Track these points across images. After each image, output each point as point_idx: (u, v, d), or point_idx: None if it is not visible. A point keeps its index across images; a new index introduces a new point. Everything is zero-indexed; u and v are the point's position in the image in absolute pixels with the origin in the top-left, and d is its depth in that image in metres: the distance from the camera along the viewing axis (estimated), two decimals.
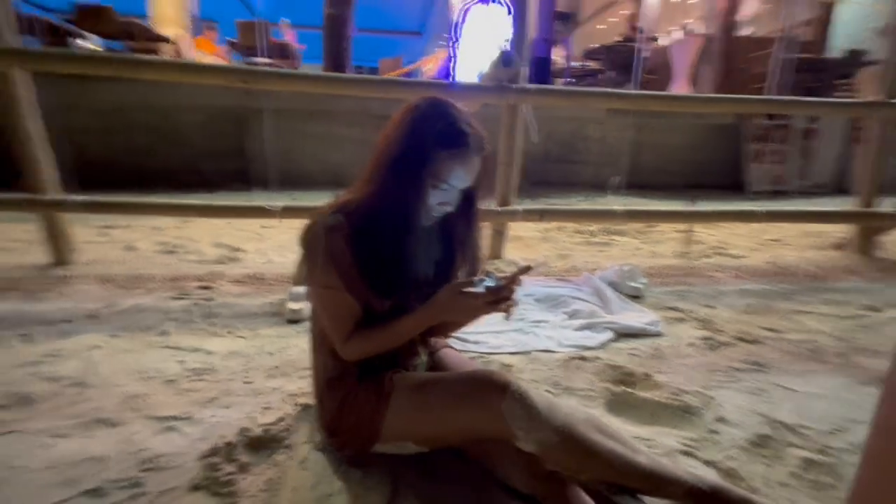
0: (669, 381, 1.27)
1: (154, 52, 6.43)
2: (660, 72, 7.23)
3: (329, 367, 0.94)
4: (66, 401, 1.13)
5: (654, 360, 1.42)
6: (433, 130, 0.81)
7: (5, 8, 1.71)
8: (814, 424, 1.10)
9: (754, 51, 6.86)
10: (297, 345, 1.46)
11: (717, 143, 5.25)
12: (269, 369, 1.31)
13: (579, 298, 1.84)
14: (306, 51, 6.81)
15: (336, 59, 4.71)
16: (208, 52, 6.83)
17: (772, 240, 3.07)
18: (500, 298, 0.82)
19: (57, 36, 5.34)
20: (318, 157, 4.44)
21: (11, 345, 1.38)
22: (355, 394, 0.91)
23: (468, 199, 0.92)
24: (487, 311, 0.83)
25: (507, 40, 1.95)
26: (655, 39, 9.25)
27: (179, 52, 6.70)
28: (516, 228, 3.03)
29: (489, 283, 0.83)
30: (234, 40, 6.05)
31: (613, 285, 1.99)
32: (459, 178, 0.84)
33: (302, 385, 1.22)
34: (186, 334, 1.50)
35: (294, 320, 1.61)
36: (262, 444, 1.00)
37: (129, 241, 2.49)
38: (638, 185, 5.11)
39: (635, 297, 1.93)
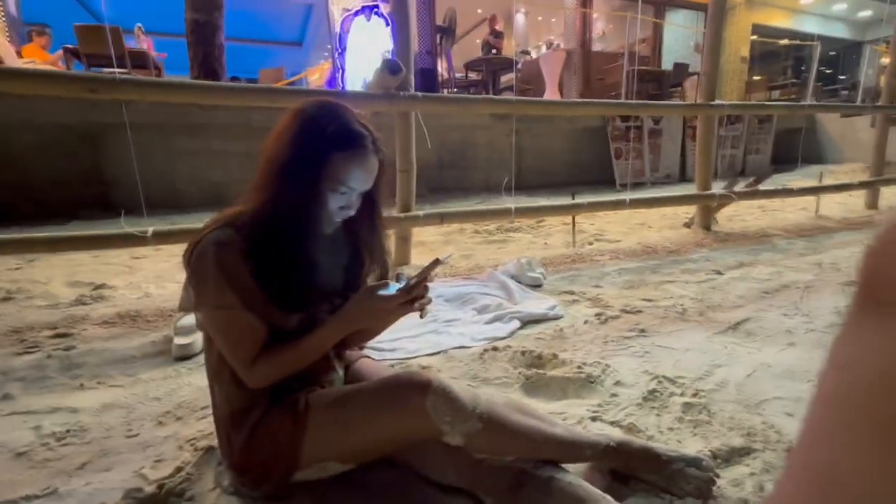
0: (573, 357, 1.39)
1: None
2: (533, 82, 7.94)
3: (233, 399, 0.85)
4: None
5: (557, 341, 1.54)
6: (326, 132, 0.79)
7: None
8: (688, 374, 1.29)
9: (606, 64, 7.92)
10: (191, 383, 1.30)
11: (588, 145, 5.92)
12: (157, 416, 1.14)
13: (486, 294, 1.92)
14: (168, 59, 6.13)
15: (207, 69, 4.32)
16: (40, 60, 5.78)
17: (638, 224, 3.55)
18: (413, 298, 0.82)
19: None
20: (195, 176, 4.02)
21: None
22: (266, 422, 0.83)
23: (370, 203, 0.91)
24: (402, 313, 0.83)
25: (390, 51, 1.97)
26: (528, 53, 10.15)
27: (1, 61, 5.57)
28: (419, 234, 3.07)
29: (400, 284, 0.83)
30: (73, 47, 5.19)
31: (515, 277, 2.12)
32: (358, 179, 0.82)
33: (201, 427, 1.09)
34: (40, 394, 1.24)
35: (184, 357, 1.43)
36: (160, 502, 0.86)
37: None
38: (524, 186, 5.54)
39: (535, 285, 2.07)
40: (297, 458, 0.81)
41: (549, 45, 10.41)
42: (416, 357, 1.42)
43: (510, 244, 2.99)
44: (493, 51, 7.03)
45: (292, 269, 0.80)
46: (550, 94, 8.30)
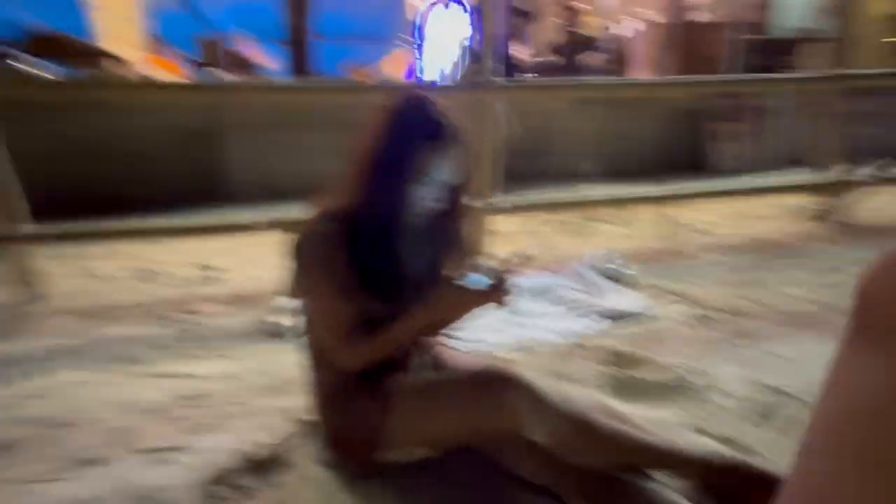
0: (666, 359, 1.29)
1: (109, 73, 6.20)
2: (621, 61, 7.40)
3: (329, 380, 0.91)
4: (48, 443, 1.06)
5: (649, 341, 1.44)
6: (415, 126, 0.81)
7: None
8: (803, 386, 1.13)
9: (708, 35, 7.11)
10: (292, 359, 1.41)
11: (679, 126, 5.40)
12: (264, 389, 1.27)
13: (570, 287, 1.85)
14: (267, 63, 6.69)
15: (300, 70, 4.64)
16: (169, 71, 6.63)
17: (747, 215, 3.17)
18: (494, 290, 0.81)
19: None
20: (289, 169, 4.36)
21: None
22: (358, 403, 0.88)
23: (452, 194, 0.91)
24: (483, 304, 0.83)
25: (468, 39, 1.95)
26: (617, 30, 9.47)
27: (141, 73, 6.49)
28: (496, 223, 3.04)
29: (482, 275, 0.83)
30: (195, 57, 5.90)
31: (599, 271, 2.01)
32: (444, 170, 0.83)
33: (300, 401, 1.18)
34: (172, 361, 1.44)
35: (281, 334, 1.56)
36: (265, 466, 0.96)
37: (103, 271, 2.37)
38: (608, 172, 5.22)
39: (621, 280, 1.95)
40: (384, 439, 0.85)
41: (642, 19, 9.60)
42: (497, 349, 1.41)
43: (595, 236, 2.84)
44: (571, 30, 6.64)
45: (382, 258, 0.83)
46: (642, 73, 7.68)
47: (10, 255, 1.90)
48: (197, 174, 4.26)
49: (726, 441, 0.96)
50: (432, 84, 2.13)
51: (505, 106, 1.99)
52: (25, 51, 5.10)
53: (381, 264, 0.84)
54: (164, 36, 7.85)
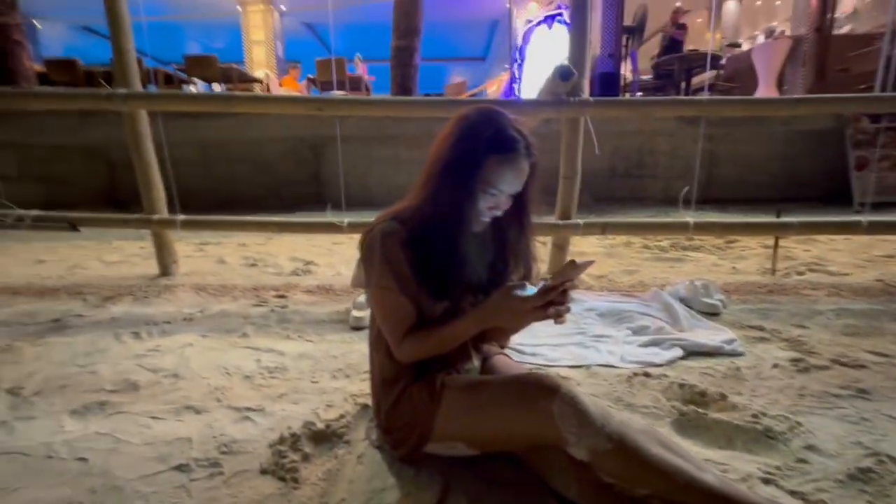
0: (749, 403, 1.16)
1: (247, 90, 7.26)
2: (741, 79, 6.74)
3: (385, 368, 0.98)
4: (163, 389, 1.29)
5: (730, 381, 1.30)
6: (482, 137, 0.85)
7: (132, 63, 2.06)
8: None
9: (855, 49, 6.18)
10: (360, 350, 1.54)
11: (812, 151, 4.74)
12: (333, 371, 1.39)
13: (646, 314, 1.74)
14: (376, 82, 7.29)
15: (403, 87, 4.98)
16: (292, 89, 7.57)
17: (882, 256, 2.69)
18: (550, 302, 0.81)
19: (171, 83, 6.24)
20: (385, 180, 4.69)
21: (124, 340, 1.60)
22: (409, 394, 0.94)
23: (520, 206, 0.93)
24: (537, 317, 0.83)
25: (567, 57, 1.96)
26: (738, 45, 8.65)
27: (268, 89, 7.50)
28: (580, 244, 2.95)
29: (539, 286, 0.83)
30: (314, 77, 6.67)
31: (685, 301, 1.86)
32: (508, 182, 0.86)
33: (363, 387, 1.29)
34: (263, 337, 1.64)
35: (357, 327, 1.70)
36: (324, 437, 1.06)
37: (220, 256, 2.79)
38: (715, 199, 4.75)
39: (712, 314, 1.78)
40: (430, 430, 0.90)
41: (770, 33, 8.67)
42: (555, 366, 1.38)
43: (686, 264, 2.62)
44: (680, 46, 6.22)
45: (442, 259, 0.88)
46: (764, 91, 6.91)
47: (154, 237, 2.32)
48: (305, 179, 4.78)
49: (800, 496, 0.84)
50: (515, 100, 2.16)
51: (589, 124, 1.95)
52: (181, 70, 6.22)
53: (439, 265, 0.89)
54: (289, 58, 8.98)
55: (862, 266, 2.48)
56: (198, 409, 1.19)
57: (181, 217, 2.15)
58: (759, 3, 9.37)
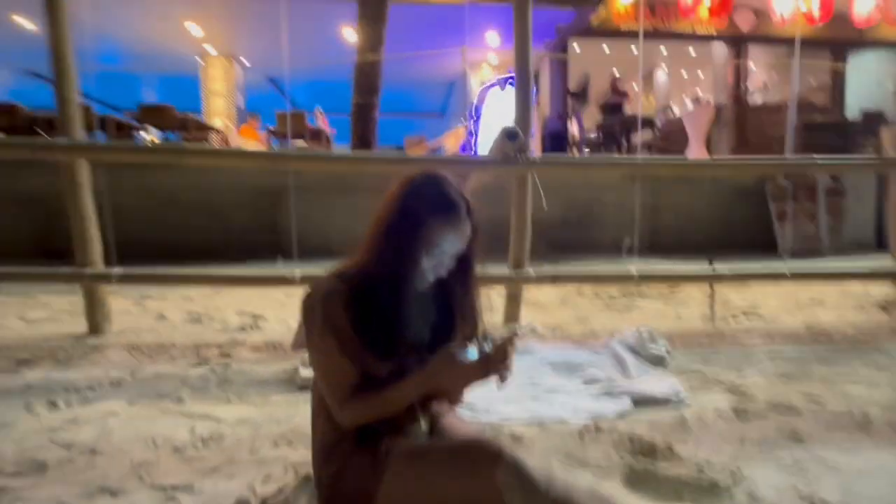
0: (695, 454, 1.18)
1: (204, 140, 7.20)
2: (675, 139, 7.44)
3: (326, 434, 0.93)
4: (75, 469, 1.14)
5: (677, 431, 1.32)
6: (425, 199, 0.88)
7: (75, 113, 2.01)
8: (848, 500, 0.98)
9: (767, 117, 7.03)
10: (306, 412, 1.43)
11: (740, 204, 5.20)
12: (275, 437, 1.30)
13: (597, 364, 1.77)
14: (337, 134, 7.45)
15: (363, 140, 5.11)
16: (251, 139, 7.56)
17: (808, 301, 2.91)
18: (492, 365, 0.82)
19: (122, 131, 6.09)
20: (344, 229, 4.66)
21: (36, 411, 1.43)
22: (351, 462, 0.89)
23: (464, 264, 0.96)
24: (480, 378, 0.83)
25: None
26: (670, 109, 9.63)
27: (226, 139, 7.45)
28: (534, 293, 3.01)
29: (484, 347, 0.84)
30: (274, 128, 6.73)
31: (633, 350, 1.91)
32: (450, 243, 0.89)
33: (306, 454, 1.20)
34: (200, 401, 1.52)
35: (305, 387, 1.61)
36: None
37: (160, 310, 2.61)
38: (660, 248, 5.05)
39: (657, 362, 1.84)
40: (372, 500, 0.84)
41: (696, 99, 9.74)
42: (508, 423, 1.36)
43: (634, 311, 2.73)
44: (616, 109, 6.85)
45: (384, 318, 0.88)
46: (696, 151, 7.64)
47: (84, 292, 2.16)
48: (262, 228, 4.68)
49: None
50: (469, 157, 2.27)
51: (536, 181, 2.06)
52: (135, 118, 6.13)
53: (382, 326, 0.88)
54: (250, 109, 9.06)
55: (791, 312, 2.68)
56: (114, 491, 1.06)
57: (117, 271, 2.03)
58: (685, 74, 10.56)
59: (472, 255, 0.96)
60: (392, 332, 0.89)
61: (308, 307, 0.89)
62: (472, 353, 0.83)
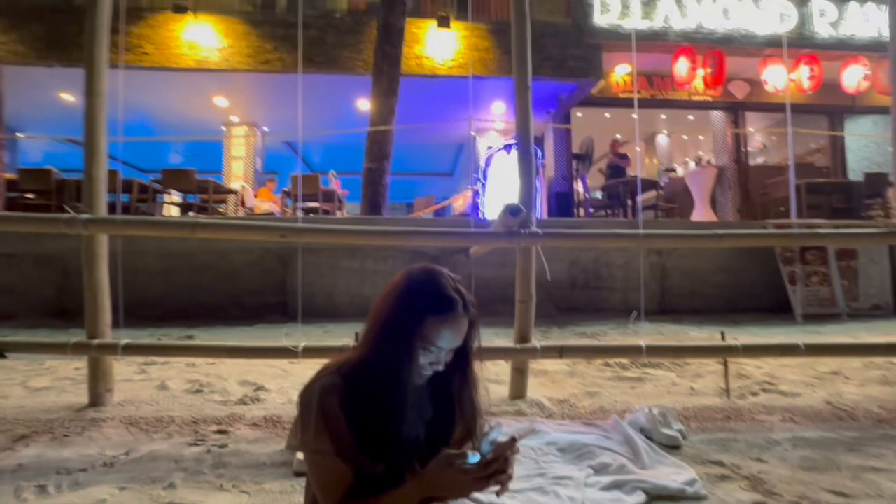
0: None
1: (222, 202, 7.50)
2: (679, 200, 7.56)
3: None
4: None
5: None
6: (423, 296, 0.89)
7: (101, 191, 2.13)
8: None
9: (769, 177, 7.17)
10: (301, 502, 1.38)
11: (750, 266, 5.16)
12: None
13: (607, 449, 1.69)
14: (350, 195, 7.73)
15: (373, 204, 5.28)
16: (267, 200, 7.87)
17: (829, 372, 2.79)
18: (492, 471, 0.79)
19: (147, 193, 6.39)
20: (351, 291, 4.71)
21: (24, 497, 1.39)
22: None
23: (462, 359, 0.95)
24: (478, 487, 0.80)
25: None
26: (673, 170, 9.87)
27: (243, 200, 7.76)
28: (543, 363, 2.94)
29: (483, 453, 0.81)
30: (289, 189, 7.01)
31: (645, 432, 1.83)
32: (447, 340, 0.89)
33: None
34: (192, 488, 1.47)
35: (301, 473, 1.55)
36: None
37: (163, 379, 2.59)
38: (669, 310, 4.97)
39: (672, 446, 1.75)
40: None
41: (698, 160, 9.99)
42: None
43: (646, 384, 2.63)
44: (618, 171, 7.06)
45: (378, 417, 0.86)
46: (701, 211, 7.74)
47: (90, 362, 2.16)
48: (271, 290, 4.73)
49: None
50: (475, 230, 2.33)
51: (541, 254, 2.09)
52: (158, 181, 6.47)
53: (376, 423, 0.86)
54: (268, 170, 9.51)
55: (811, 384, 2.56)
56: None
57: (123, 342, 2.04)
58: (685, 137, 10.94)
59: (471, 349, 0.95)
60: (388, 429, 0.87)
61: (305, 404, 0.88)
62: (473, 457, 0.80)
